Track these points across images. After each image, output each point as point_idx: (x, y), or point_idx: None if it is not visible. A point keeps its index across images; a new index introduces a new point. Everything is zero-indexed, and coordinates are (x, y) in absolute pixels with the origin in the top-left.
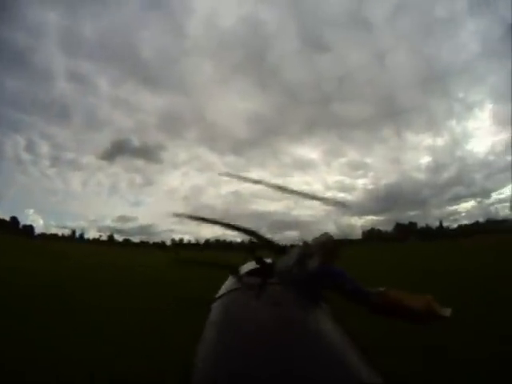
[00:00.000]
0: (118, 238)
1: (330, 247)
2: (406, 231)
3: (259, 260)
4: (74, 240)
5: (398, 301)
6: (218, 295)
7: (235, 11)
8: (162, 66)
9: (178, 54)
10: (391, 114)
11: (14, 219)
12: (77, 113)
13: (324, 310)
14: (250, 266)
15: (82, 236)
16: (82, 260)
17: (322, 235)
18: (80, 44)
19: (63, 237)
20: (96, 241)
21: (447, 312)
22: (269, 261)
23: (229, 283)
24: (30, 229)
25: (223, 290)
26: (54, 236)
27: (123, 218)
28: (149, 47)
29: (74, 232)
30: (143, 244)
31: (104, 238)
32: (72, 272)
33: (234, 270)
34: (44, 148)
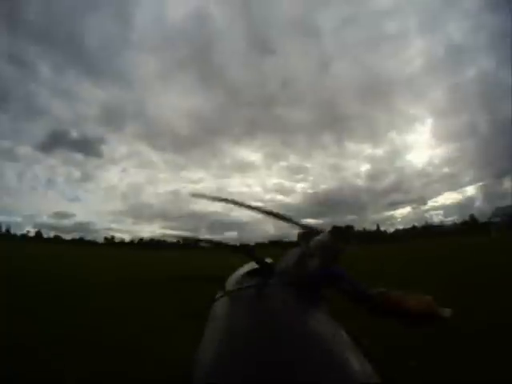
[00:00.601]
0: (49, 234)
1: (330, 247)
2: (344, 234)
3: (259, 260)
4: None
5: (398, 302)
6: (218, 296)
7: (184, 5)
8: (106, 56)
9: (123, 46)
10: (333, 121)
11: None
12: (14, 98)
13: (324, 311)
14: (250, 266)
15: (8, 231)
16: None
17: (322, 235)
18: (23, 26)
19: None
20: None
21: (447, 313)
22: (268, 261)
23: (229, 284)
24: None
25: (223, 290)
26: None
27: (60, 214)
28: (93, 36)
29: None
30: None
31: (32, 234)
32: None
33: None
34: None
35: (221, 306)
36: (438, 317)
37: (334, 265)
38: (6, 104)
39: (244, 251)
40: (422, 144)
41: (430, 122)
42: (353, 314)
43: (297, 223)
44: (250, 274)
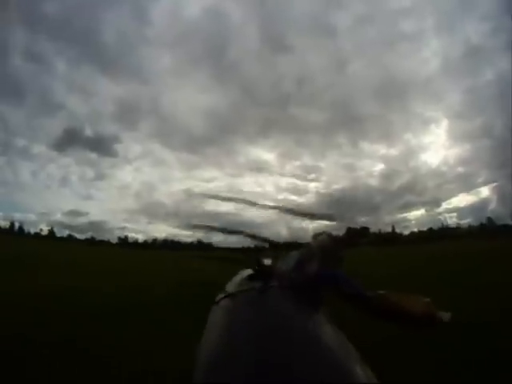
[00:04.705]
0: (63, 233)
1: (330, 250)
2: (357, 235)
3: (259, 263)
4: (12, 233)
5: (397, 304)
6: (218, 298)
7: (200, 1)
8: (122, 52)
9: (138, 42)
10: (348, 121)
11: None
12: (30, 93)
13: (323, 314)
14: (250, 269)
15: (21, 229)
16: None
17: (322, 237)
18: (38, 22)
19: (4, 230)
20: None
21: (447, 317)
22: (268, 264)
23: (229, 286)
24: None
25: (223, 293)
26: None
27: (74, 213)
28: (110, 32)
29: (12, 224)
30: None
31: (45, 232)
32: None
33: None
34: None
35: (221, 309)
36: (437, 319)
37: (334, 268)
38: (22, 100)
39: (245, 253)
40: (436, 145)
41: (445, 123)
42: (352, 316)
43: (310, 216)
44: (250, 276)
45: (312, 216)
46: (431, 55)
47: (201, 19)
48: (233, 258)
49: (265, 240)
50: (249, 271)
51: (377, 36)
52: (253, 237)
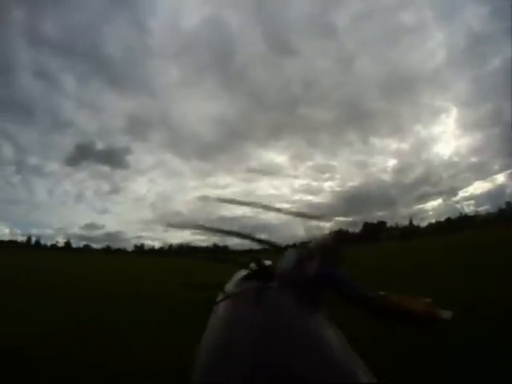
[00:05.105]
0: (79, 244)
1: (330, 249)
2: (375, 230)
3: (259, 263)
4: (30, 247)
5: (398, 304)
6: (218, 298)
7: (199, 11)
8: (127, 66)
9: (143, 55)
10: (357, 118)
11: None
12: (41, 112)
13: (323, 314)
14: (250, 268)
15: (38, 243)
16: None
17: (321, 237)
18: (45, 41)
19: (21, 244)
20: (52, 247)
21: (448, 315)
22: (268, 264)
23: (229, 286)
24: None
25: (223, 293)
26: (13, 243)
27: (90, 226)
28: (114, 47)
29: (29, 238)
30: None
31: (61, 244)
32: None
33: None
34: (7, 150)
35: (221, 309)
36: (437, 318)
37: (334, 267)
38: (33, 118)
39: (245, 254)
40: (447, 135)
41: (454, 112)
42: (352, 315)
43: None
44: (250, 276)
45: (313, 217)
46: (435, 45)
47: (202, 28)
48: (234, 258)
49: (269, 244)
50: (249, 271)
51: (379, 31)
52: (259, 241)
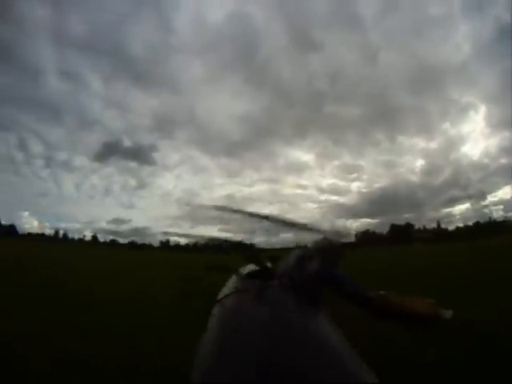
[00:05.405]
0: (106, 238)
1: (330, 250)
2: (404, 232)
3: (259, 262)
4: (57, 240)
5: (399, 305)
6: (218, 298)
7: (222, 7)
8: (153, 64)
9: (168, 53)
10: (384, 116)
11: None
12: (68, 111)
13: (323, 313)
14: (251, 268)
15: (65, 236)
16: None
17: (322, 237)
18: (69, 42)
19: (49, 237)
20: (80, 241)
21: (449, 314)
22: (269, 263)
23: (229, 286)
24: (11, 229)
25: (224, 292)
26: (41, 236)
27: (117, 221)
28: (139, 46)
29: (57, 232)
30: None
31: (88, 238)
32: None
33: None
34: (37, 148)
35: (221, 308)
36: (439, 318)
37: (334, 267)
38: (61, 117)
39: (246, 253)
40: (476, 134)
41: (483, 109)
42: (352, 315)
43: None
44: (250, 276)
45: (300, 227)
46: (462, 38)
47: (226, 24)
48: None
49: (289, 224)
50: (249, 270)
51: (404, 23)
52: (277, 221)
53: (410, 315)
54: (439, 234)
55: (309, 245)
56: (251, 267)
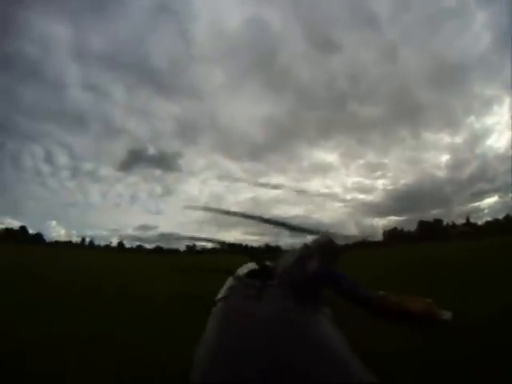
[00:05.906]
0: (132, 244)
1: (329, 249)
2: (435, 229)
3: (259, 261)
4: (84, 247)
5: (399, 304)
6: (218, 297)
7: (239, 13)
8: (174, 73)
9: (188, 61)
10: (407, 112)
11: (23, 228)
12: (92, 122)
13: (323, 312)
14: (250, 267)
15: (92, 243)
16: None
17: (321, 236)
18: (91, 54)
19: (76, 244)
20: (106, 247)
21: (448, 315)
22: (268, 262)
23: (229, 285)
24: (39, 237)
25: (223, 292)
26: (67, 243)
27: (144, 227)
28: (160, 55)
29: (83, 239)
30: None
31: (114, 244)
32: None
33: (232, 274)
34: (63, 159)
35: (221, 307)
36: (438, 319)
37: (334, 266)
38: (86, 128)
39: (246, 252)
40: (501, 126)
41: (508, 101)
42: (352, 316)
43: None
44: (249, 275)
45: (295, 229)
46: (480, 28)
47: (244, 31)
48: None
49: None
50: (249, 269)
51: (420, 18)
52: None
53: (406, 315)
54: (477, 229)
55: (308, 244)
56: (251, 266)
